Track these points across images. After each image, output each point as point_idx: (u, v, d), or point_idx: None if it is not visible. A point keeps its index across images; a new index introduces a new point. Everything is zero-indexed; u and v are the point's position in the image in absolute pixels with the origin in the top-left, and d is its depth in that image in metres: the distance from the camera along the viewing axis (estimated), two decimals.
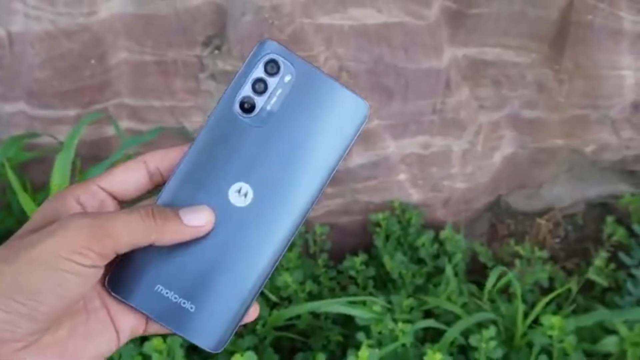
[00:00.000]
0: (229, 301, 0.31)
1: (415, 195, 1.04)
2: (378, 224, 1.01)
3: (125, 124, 0.95)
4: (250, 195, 0.31)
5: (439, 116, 1.00)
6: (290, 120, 0.31)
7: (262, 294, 0.81)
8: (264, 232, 0.31)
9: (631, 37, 0.98)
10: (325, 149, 0.31)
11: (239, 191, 0.31)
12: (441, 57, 0.97)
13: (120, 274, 0.31)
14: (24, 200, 0.85)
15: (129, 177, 0.32)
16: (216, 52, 0.94)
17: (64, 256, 0.27)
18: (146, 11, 0.91)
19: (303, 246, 0.98)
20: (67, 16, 0.91)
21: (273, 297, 0.84)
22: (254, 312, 0.32)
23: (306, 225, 0.98)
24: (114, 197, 0.32)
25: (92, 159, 0.94)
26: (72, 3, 0.90)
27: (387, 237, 1.01)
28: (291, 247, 0.91)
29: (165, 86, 0.95)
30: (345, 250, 1.02)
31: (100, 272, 0.29)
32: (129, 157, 0.91)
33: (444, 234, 1.00)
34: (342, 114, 0.31)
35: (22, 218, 0.91)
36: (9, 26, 0.90)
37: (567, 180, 1.07)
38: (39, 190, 0.93)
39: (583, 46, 0.98)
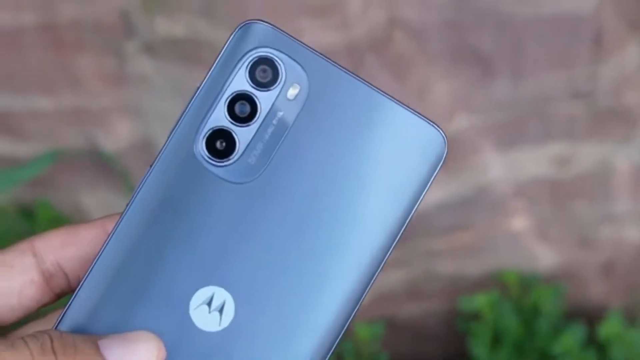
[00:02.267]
0: None
1: (546, 258, 0.90)
2: (477, 316, 0.89)
3: None
4: (231, 309, 0.30)
5: (586, 102, 0.85)
6: (303, 169, 0.30)
7: None
8: None
9: None
10: (369, 218, 0.30)
11: (209, 303, 0.30)
12: None
13: None
14: None
15: (7, 283, 0.31)
16: (152, 3, 0.82)
17: None
18: None
19: None
20: None
21: None
22: None
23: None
24: None
25: None
26: None
27: (497, 340, 0.89)
28: None
29: (61, 71, 0.83)
30: None
31: None
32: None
33: (605, 328, 0.86)
34: (396, 154, 0.30)
35: None
36: None
37: None
38: None
39: None
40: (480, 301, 0.87)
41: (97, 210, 0.88)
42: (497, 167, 0.87)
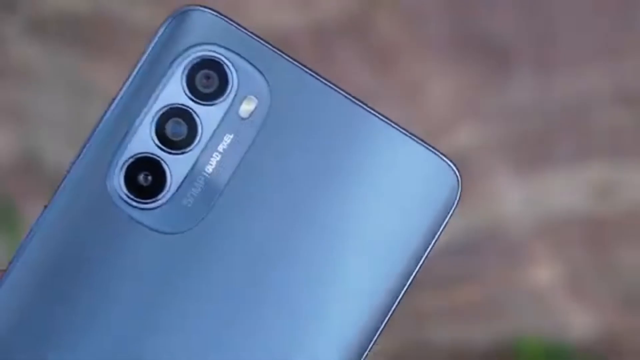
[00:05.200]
0: None
1: (580, 322, 0.86)
2: None
3: None
4: None
5: (637, 109, 0.86)
6: (264, 217, 0.29)
7: None
8: None
9: None
10: (357, 284, 0.28)
11: None
12: None
13: None
14: None
15: None
16: None
17: None
18: None
19: None
20: None
21: None
22: None
23: None
24: None
25: None
26: None
27: None
28: None
29: None
30: None
31: None
32: None
33: None
34: (394, 197, 0.29)
35: None
36: None
37: None
38: None
39: None
40: None
41: None
42: (516, 198, 0.85)
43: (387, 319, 0.27)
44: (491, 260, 0.86)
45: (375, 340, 0.28)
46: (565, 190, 0.85)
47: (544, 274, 0.85)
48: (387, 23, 0.84)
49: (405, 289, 0.28)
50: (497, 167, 0.84)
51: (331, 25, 0.82)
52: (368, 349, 0.28)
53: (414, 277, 0.28)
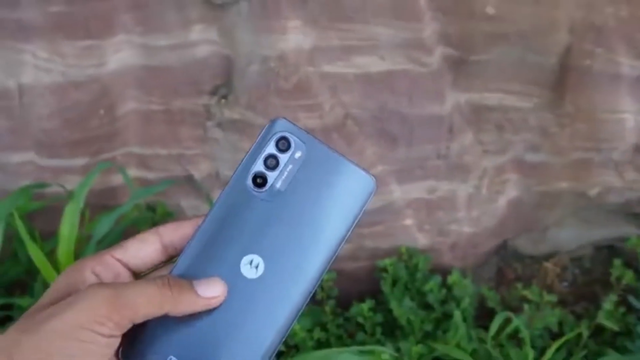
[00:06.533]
0: None
1: (421, 240, 1.43)
2: (385, 270, 1.40)
3: (133, 172, 1.35)
4: (262, 267, 0.41)
5: (444, 161, 1.39)
6: (300, 195, 0.42)
7: None
8: (275, 303, 0.42)
9: (630, 81, 1.41)
10: (333, 222, 0.42)
11: (251, 263, 0.41)
12: (444, 102, 1.37)
13: (134, 345, 0.40)
14: (33, 250, 1.19)
15: (143, 250, 0.42)
16: (223, 101, 1.32)
17: (84, 326, 0.35)
18: (154, 62, 1.34)
19: None
20: (77, 68, 1.34)
21: (281, 346, 0.96)
22: None
23: None
24: (128, 269, 0.42)
25: (98, 207, 1.32)
26: (82, 55, 1.34)
27: (394, 283, 1.39)
28: None
29: (172, 135, 1.34)
30: (353, 296, 1.37)
31: (117, 342, 0.37)
32: (137, 207, 1.33)
33: (451, 278, 1.38)
34: (349, 189, 0.42)
35: (29, 267, 1.27)
36: (19, 78, 1.33)
37: (573, 223, 1.48)
38: (45, 240, 1.30)
39: (583, 90, 1.41)
40: (387, 262, 1.35)
41: (189, 209, 1.36)
42: (397, 193, 1.37)
43: (341, 245, 0.41)
44: (387, 216, 1.38)
45: (339, 249, 0.41)
46: (417, 190, 1.37)
47: (408, 222, 1.39)
48: (351, 124, 1.32)
49: (349, 232, 0.40)
50: (390, 181, 1.36)
51: (329, 125, 1.29)
52: (337, 251, 0.40)
53: (348, 236, 0.40)
